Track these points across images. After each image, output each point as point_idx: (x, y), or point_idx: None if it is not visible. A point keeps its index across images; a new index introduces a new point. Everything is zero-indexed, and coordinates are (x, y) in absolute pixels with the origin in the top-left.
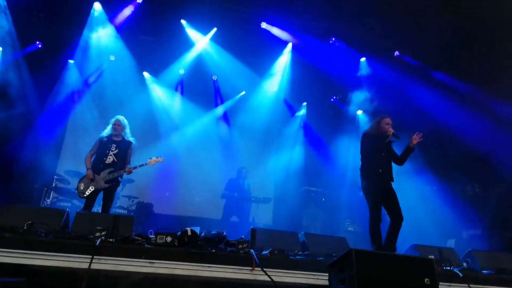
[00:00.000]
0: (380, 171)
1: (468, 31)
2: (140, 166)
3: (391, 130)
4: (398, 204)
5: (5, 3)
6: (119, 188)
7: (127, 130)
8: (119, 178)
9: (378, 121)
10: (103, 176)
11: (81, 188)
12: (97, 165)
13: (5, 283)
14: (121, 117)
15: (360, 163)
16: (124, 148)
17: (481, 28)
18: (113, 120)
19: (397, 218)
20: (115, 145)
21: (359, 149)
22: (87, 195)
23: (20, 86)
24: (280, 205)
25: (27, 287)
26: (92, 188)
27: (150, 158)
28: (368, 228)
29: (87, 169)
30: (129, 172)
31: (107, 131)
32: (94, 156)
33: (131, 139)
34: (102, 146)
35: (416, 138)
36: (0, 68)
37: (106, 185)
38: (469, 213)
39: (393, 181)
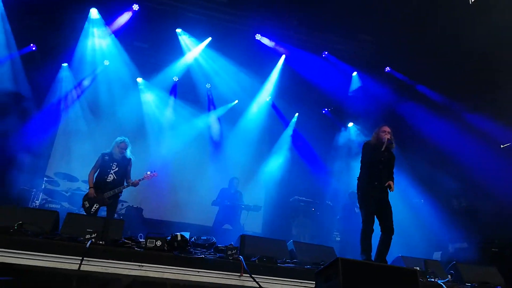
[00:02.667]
0: (376, 183)
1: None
2: (139, 180)
3: (386, 137)
4: (391, 217)
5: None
6: (109, 193)
7: (129, 149)
8: (119, 194)
9: (377, 130)
10: (106, 193)
11: (87, 205)
12: (99, 183)
13: None
14: (125, 139)
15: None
16: (124, 166)
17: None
18: (119, 141)
19: (388, 231)
20: (116, 164)
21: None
22: (93, 212)
23: (14, 87)
24: (270, 213)
25: (14, 286)
26: (97, 205)
27: (146, 173)
28: (360, 238)
29: (89, 187)
30: (136, 185)
31: (110, 149)
32: (96, 173)
33: (131, 156)
34: (105, 164)
35: (390, 188)
36: None
37: (109, 202)
38: (455, 227)
39: (387, 194)
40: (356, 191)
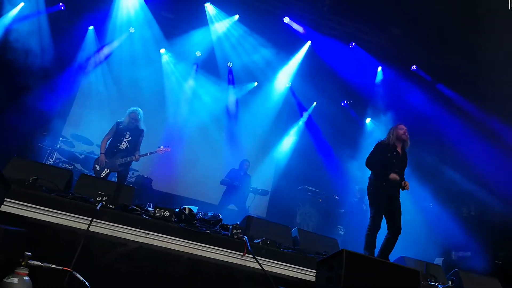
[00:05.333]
0: (384, 184)
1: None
2: (150, 153)
3: (403, 136)
4: (400, 216)
5: None
6: (121, 160)
7: (142, 121)
8: (131, 162)
9: (392, 128)
10: (118, 160)
11: (97, 169)
12: (112, 149)
13: (7, 230)
14: (137, 110)
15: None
16: (137, 136)
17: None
18: (131, 111)
19: (395, 230)
20: (129, 133)
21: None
22: (103, 176)
23: (40, 44)
24: (277, 199)
25: (26, 238)
26: (107, 170)
27: (159, 147)
28: (365, 234)
29: (100, 153)
30: (137, 160)
31: (123, 118)
32: (110, 140)
33: (143, 128)
34: (118, 132)
35: (405, 187)
36: (21, 23)
37: (120, 168)
38: (461, 235)
39: (399, 194)
40: (366, 188)
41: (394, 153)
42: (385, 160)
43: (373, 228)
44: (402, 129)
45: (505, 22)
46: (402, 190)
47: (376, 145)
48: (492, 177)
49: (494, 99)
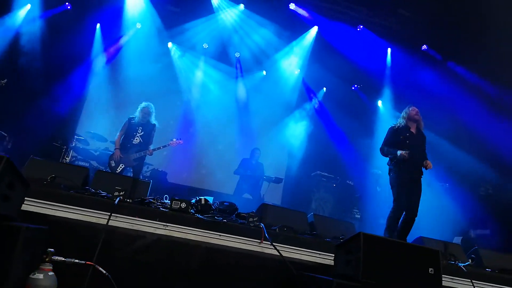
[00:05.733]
0: (402, 166)
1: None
2: (164, 147)
3: (416, 116)
4: (418, 200)
5: None
6: (135, 154)
7: (153, 115)
8: (144, 156)
9: (405, 111)
10: (132, 155)
11: (113, 165)
12: (125, 145)
13: (29, 228)
14: (149, 105)
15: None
16: (149, 131)
17: None
18: (143, 106)
19: (410, 213)
20: (141, 128)
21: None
22: (118, 172)
23: (48, 45)
24: (291, 186)
25: (48, 235)
26: (122, 165)
27: (172, 140)
28: (387, 216)
29: (115, 149)
30: (151, 154)
31: (136, 114)
32: (123, 136)
33: (155, 122)
34: (131, 128)
35: (427, 166)
36: (29, 26)
37: (135, 163)
38: (479, 213)
39: (422, 174)
40: (379, 172)
41: (407, 134)
42: (398, 142)
43: (396, 211)
44: (414, 110)
45: None
46: (426, 169)
47: (388, 130)
48: (510, 154)
49: (507, 73)
